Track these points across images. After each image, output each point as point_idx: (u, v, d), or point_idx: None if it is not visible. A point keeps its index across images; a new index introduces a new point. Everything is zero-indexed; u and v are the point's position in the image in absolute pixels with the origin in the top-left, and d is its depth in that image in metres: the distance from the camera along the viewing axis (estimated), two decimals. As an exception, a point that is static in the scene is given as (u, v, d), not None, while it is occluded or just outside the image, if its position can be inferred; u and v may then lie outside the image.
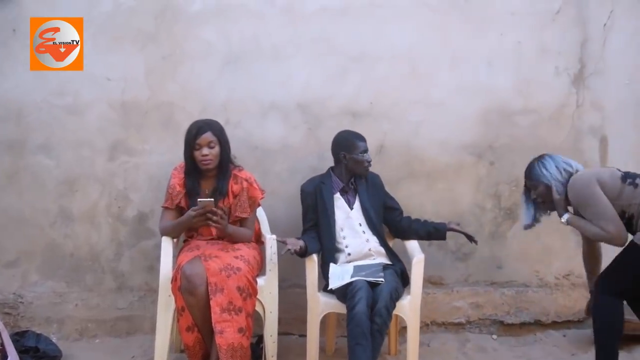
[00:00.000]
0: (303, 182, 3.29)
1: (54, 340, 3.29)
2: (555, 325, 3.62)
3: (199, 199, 2.87)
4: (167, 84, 3.48)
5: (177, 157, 3.18)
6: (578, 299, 3.64)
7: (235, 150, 3.12)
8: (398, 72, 3.56)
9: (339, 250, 3.12)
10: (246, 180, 3.07)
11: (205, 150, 2.96)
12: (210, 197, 2.99)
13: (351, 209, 3.18)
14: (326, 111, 3.54)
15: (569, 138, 3.66)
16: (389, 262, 3.10)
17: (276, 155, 3.55)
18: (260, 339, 3.11)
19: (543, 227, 3.23)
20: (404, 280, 3.07)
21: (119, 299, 3.53)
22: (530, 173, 2.92)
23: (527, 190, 2.97)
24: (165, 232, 3.03)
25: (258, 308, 2.95)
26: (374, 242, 3.13)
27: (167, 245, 2.99)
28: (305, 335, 3.02)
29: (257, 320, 2.98)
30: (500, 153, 3.58)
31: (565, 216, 2.82)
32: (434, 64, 3.58)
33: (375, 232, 3.15)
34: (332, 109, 3.55)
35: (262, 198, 3.12)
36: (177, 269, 2.81)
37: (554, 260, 3.64)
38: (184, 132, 3.06)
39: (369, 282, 2.82)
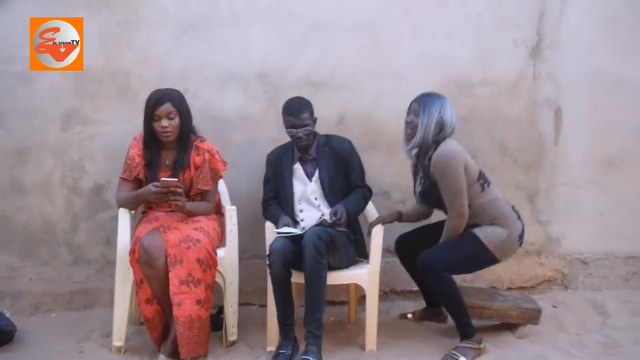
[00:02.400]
0: (263, 152, 3.26)
1: (8, 315, 3.22)
2: (509, 291, 3.73)
3: (161, 178, 2.81)
4: (123, 51, 3.38)
5: (134, 126, 3.11)
6: (530, 266, 3.77)
7: (194, 120, 3.06)
8: (359, 42, 3.54)
9: (295, 222, 3.10)
10: (208, 152, 3.02)
11: (165, 122, 2.89)
12: (171, 168, 2.94)
13: (310, 180, 3.13)
14: (286, 81, 3.50)
15: (525, 109, 3.72)
16: (344, 230, 3.08)
17: (235, 125, 3.50)
18: (220, 309, 3.12)
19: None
20: (362, 251, 3.10)
21: (76, 272, 3.47)
22: (426, 101, 2.94)
23: (409, 108, 3.02)
24: (122, 204, 2.97)
25: (218, 279, 2.94)
26: (328, 216, 3.08)
27: (124, 217, 2.93)
28: (266, 306, 3.03)
29: (217, 291, 2.97)
30: (459, 124, 3.61)
31: None
32: (394, 34, 3.57)
33: (333, 204, 3.08)
34: (292, 78, 3.51)
35: (224, 170, 3.09)
36: (136, 241, 2.77)
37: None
38: (141, 100, 2.99)
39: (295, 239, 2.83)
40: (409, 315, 3.36)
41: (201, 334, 2.76)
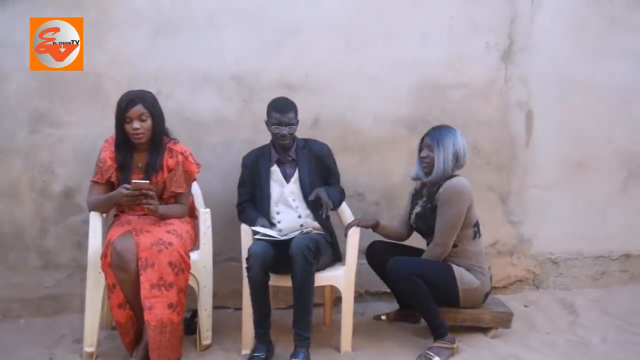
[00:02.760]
0: (238, 154, 3.25)
1: (-24, 321, 3.15)
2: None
3: (133, 181, 2.78)
4: (94, 52, 3.32)
5: (106, 129, 3.06)
6: (503, 266, 3.82)
7: (167, 122, 3.03)
8: (334, 45, 3.55)
9: (272, 225, 3.10)
10: (182, 154, 2.99)
11: (136, 124, 2.86)
12: (144, 171, 2.91)
13: (287, 182, 3.14)
14: (261, 83, 3.50)
15: (497, 112, 3.78)
16: (321, 232, 3.10)
17: (210, 128, 3.48)
18: (194, 313, 3.09)
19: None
20: (336, 254, 3.11)
21: (45, 277, 3.41)
22: (439, 135, 3.02)
23: (422, 143, 3.10)
24: (93, 207, 2.92)
25: (192, 283, 2.91)
26: (306, 217, 3.11)
27: (95, 221, 2.89)
28: (240, 309, 3.02)
29: (191, 294, 2.95)
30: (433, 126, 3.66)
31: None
32: (369, 37, 3.59)
33: (312, 206, 3.11)
34: (267, 81, 3.50)
35: (198, 172, 3.06)
36: (107, 244, 2.73)
37: (481, 230, 3.76)
38: (113, 103, 2.95)
39: (279, 245, 2.84)
40: (383, 317, 3.37)
41: (173, 338, 2.73)
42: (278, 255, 2.82)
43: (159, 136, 2.95)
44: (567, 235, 3.95)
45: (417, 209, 3.16)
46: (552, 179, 3.90)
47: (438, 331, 2.95)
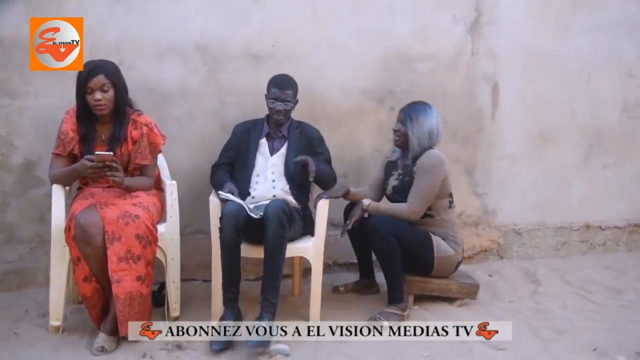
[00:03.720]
0: (204, 126, 3.24)
1: None
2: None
3: (96, 152, 2.71)
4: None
5: (66, 100, 2.98)
6: (468, 237, 3.89)
7: (130, 93, 2.95)
8: (300, 14, 3.51)
9: (247, 193, 3.10)
10: (146, 126, 2.93)
11: (98, 95, 2.78)
12: (107, 143, 2.84)
13: (271, 155, 3.15)
14: (226, 53, 3.44)
15: (464, 84, 3.81)
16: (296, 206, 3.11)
17: (174, 99, 3.42)
18: (162, 286, 3.07)
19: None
20: (308, 227, 3.12)
21: (8, 251, 3.33)
22: (413, 110, 3.09)
23: (397, 117, 3.16)
24: (55, 180, 2.85)
25: (159, 255, 2.89)
26: (280, 190, 3.11)
27: (58, 194, 2.82)
28: (209, 281, 3.01)
29: (159, 267, 2.92)
30: (400, 98, 3.64)
31: (366, 202, 3.07)
32: (336, 7, 3.56)
33: (291, 181, 3.12)
34: (232, 50, 3.45)
35: (163, 144, 3.01)
36: (71, 217, 2.67)
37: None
38: (73, 73, 2.85)
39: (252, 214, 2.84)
40: (341, 288, 3.42)
41: (142, 311, 2.71)
42: (249, 222, 2.81)
43: (122, 107, 2.88)
44: (530, 207, 4.04)
45: (394, 181, 3.20)
46: (516, 152, 3.97)
47: (395, 296, 3.03)
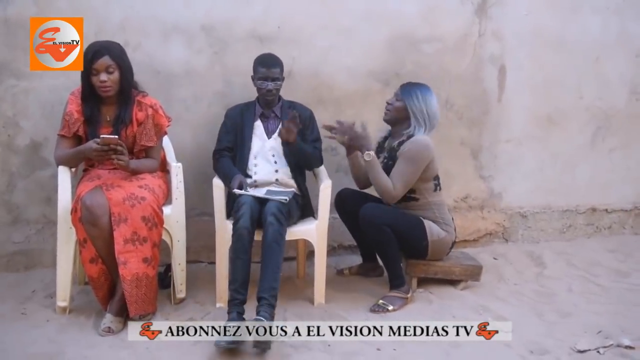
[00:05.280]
0: (209, 108, 3.21)
1: (-57, 278, 3.09)
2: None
3: (101, 135, 2.70)
4: (57, 1, 3.18)
5: (72, 81, 2.97)
6: (473, 220, 3.89)
7: (136, 75, 2.94)
8: (306, -5, 3.47)
9: (247, 177, 3.09)
10: (151, 107, 2.92)
11: (103, 76, 2.77)
12: (112, 125, 2.84)
13: (269, 137, 3.13)
14: (232, 34, 3.42)
15: (470, 66, 3.77)
16: (297, 193, 3.11)
17: (180, 80, 3.40)
18: (168, 267, 3.09)
19: (444, 153, 3.38)
20: (308, 211, 3.12)
21: (14, 232, 3.35)
22: (411, 90, 3.04)
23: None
24: (61, 162, 2.86)
25: (165, 237, 2.90)
26: (282, 173, 3.11)
27: (64, 175, 2.83)
28: (214, 263, 3.02)
29: (165, 249, 2.94)
30: (406, 80, 3.58)
31: (371, 154, 2.98)
32: (342, -12, 3.52)
33: (290, 163, 3.11)
34: (238, 32, 3.42)
35: (168, 126, 3.01)
36: (77, 199, 2.68)
37: (453, 184, 3.82)
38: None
39: (260, 200, 2.83)
40: (346, 271, 3.44)
41: (148, 292, 2.73)
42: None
43: (127, 89, 2.87)
44: (536, 190, 4.03)
45: (380, 163, 3.15)
46: (522, 134, 3.95)
47: (396, 281, 3.03)
